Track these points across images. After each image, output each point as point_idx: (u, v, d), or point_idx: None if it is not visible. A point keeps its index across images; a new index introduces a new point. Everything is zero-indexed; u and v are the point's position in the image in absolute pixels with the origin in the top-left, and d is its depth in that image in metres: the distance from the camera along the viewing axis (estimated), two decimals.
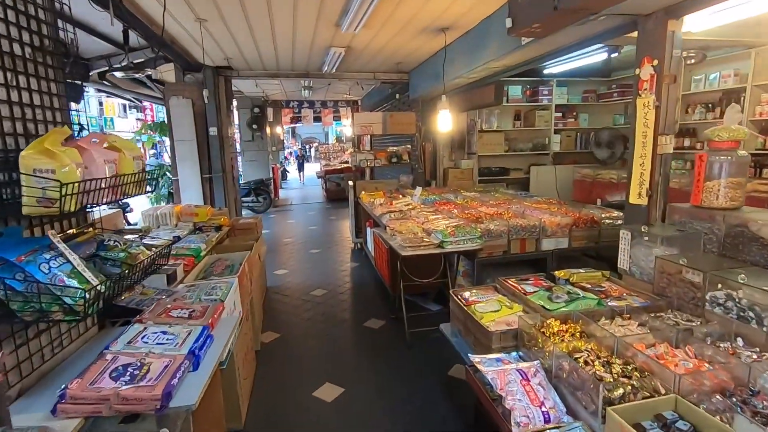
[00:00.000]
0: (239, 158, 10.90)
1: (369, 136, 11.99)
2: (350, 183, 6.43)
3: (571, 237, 3.40)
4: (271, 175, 11.14)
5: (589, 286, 2.30)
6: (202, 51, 4.92)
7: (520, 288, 2.35)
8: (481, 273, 3.34)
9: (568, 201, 4.77)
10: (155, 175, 1.89)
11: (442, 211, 4.14)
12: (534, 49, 3.53)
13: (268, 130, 11.63)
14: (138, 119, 41.30)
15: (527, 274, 2.64)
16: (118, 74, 5.65)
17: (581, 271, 2.49)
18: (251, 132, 10.75)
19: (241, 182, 10.19)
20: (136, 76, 5.68)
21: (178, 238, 3.19)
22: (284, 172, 18.56)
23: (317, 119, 15.69)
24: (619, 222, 3.37)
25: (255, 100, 10.66)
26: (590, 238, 3.46)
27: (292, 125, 16.83)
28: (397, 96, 7.06)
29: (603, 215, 3.55)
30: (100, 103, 37.07)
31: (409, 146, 6.62)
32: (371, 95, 10.02)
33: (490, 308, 2.18)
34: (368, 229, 5.52)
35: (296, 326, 3.82)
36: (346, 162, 13.86)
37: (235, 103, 10.85)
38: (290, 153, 22.48)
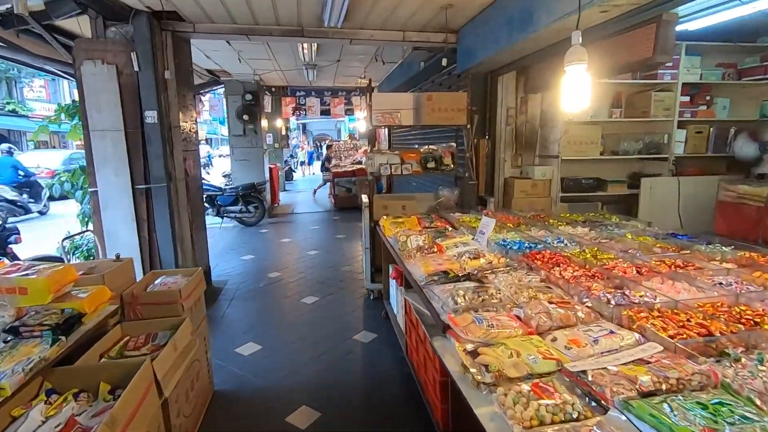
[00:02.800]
0: (229, 157, 8.84)
1: (387, 130, 9.85)
2: (364, 199, 4.27)
3: None
4: (267, 179, 9.04)
5: None
6: None
7: None
8: None
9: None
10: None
11: (554, 279, 1.95)
12: None
13: (264, 123, 9.54)
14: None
15: None
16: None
17: None
18: (242, 124, 8.67)
19: (226, 187, 8.12)
20: (31, 28, 3.60)
21: None
22: (289, 172, 16.51)
23: (325, 112, 13.66)
24: None
25: (247, 85, 8.58)
26: None
27: (295, 117, 14.78)
28: (444, 66, 4.79)
29: None
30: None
31: (452, 144, 4.43)
32: (392, 78, 7.82)
33: None
34: (395, 287, 3.36)
35: None
36: (359, 162, 11.70)
37: (223, 90, 8.82)
38: (302, 150, 20.36)
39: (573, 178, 4.26)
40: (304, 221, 8.72)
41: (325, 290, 4.58)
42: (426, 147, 4.45)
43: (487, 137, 4.39)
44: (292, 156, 17.74)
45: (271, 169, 9.88)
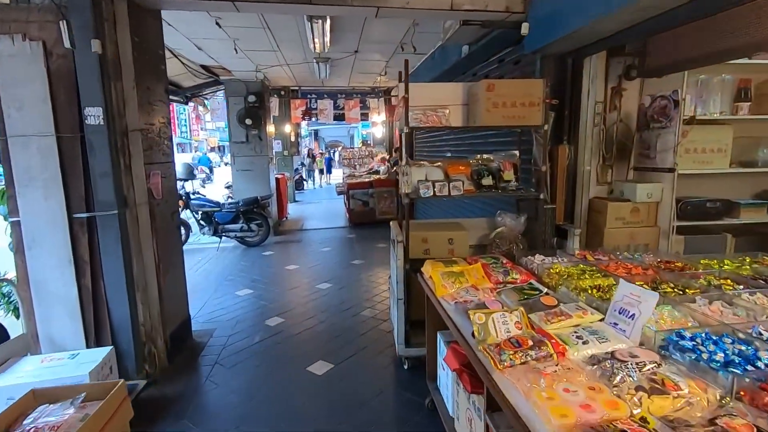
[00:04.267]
0: (231, 167, 7.78)
1: (404, 134, 8.73)
2: (394, 231, 3.08)
3: None
4: (273, 192, 7.94)
5: None
6: None
7: None
8: None
9: None
10: None
11: None
12: None
13: (271, 128, 8.47)
14: None
15: None
16: None
17: None
18: (244, 130, 7.59)
19: (225, 202, 7.04)
20: None
21: None
22: (300, 181, 15.45)
23: (339, 118, 12.60)
24: None
25: (251, 86, 7.52)
26: None
27: (305, 122, 13.75)
28: (503, 48, 3.60)
29: None
30: None
31: (513, 153, 3.24)
32: (419, 74, 6.64)
33: None
34: (454, 381, 2.13)
35: None
36: (376, 172, 10.56)
37: (223, 91, 7.78)
38: (320, 157, 18.76)
39: (692, 199, 3.01)
40: (314, 240, 7.57)
41: (341, 350, 3.39)
42: (477, 157, 3.26)
43: (564, 142, 3.17)
44: (302, 164, 16.69)
45: (278, 180, 8.80)
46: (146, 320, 2.95)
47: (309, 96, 9.96)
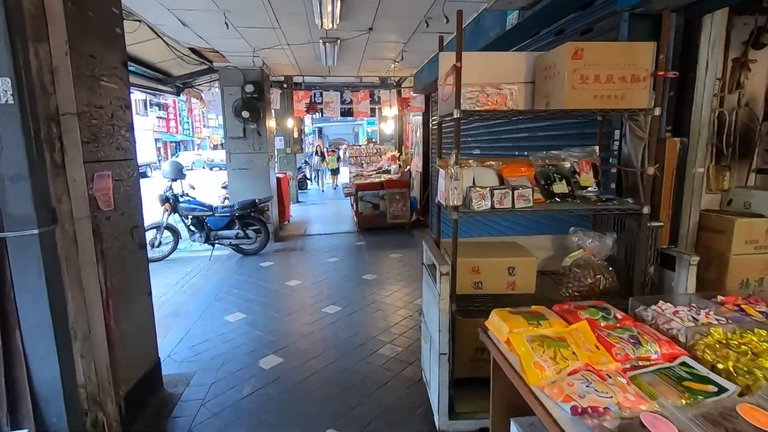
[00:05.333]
0: (227, 165, 6.95)
1: (416, 133, 7.93)
2: (429, 254, 2.21)
3: None
4: (273, 194, 7.09)
5: None
6: None
7: None
8: None
9: None
10: None
11: None
12: None
13: (271, 122, 7.63)
14: (159, 117, 39.13)
15: None
16: None
17: None
18: (241, 123, 6.75)
19: (218, 206, 6.22)
20: None
21: None
22: (303, 180, 14.61)
23: (346, 113, 11.77)
24: None
25: (248, 74, 6.67)
26: None
27: (310, 117, 12.90)
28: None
29: None
30: None
31: (592, 149, 2.38)
32: (429, 69, 5.76)
33: None
34: None
35: None
36: (386, 171, 9.70)
37: (218, 81, 6.94)
38: (333, 150, 17.06)
39: None
40: (319, 248, 6.73)
41: (357, 412, 2.55)
42: (541, 156, 2.41)
43: (667, 133, 2.30)
44: (306, 162, 15.83)
45: (279, 180, 7.97)
46: (89, 379, 2.12)
47: (314, 89, 9.12)
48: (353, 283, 4.96)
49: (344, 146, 20.19)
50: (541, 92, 2.22)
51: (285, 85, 9.01)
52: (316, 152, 14.98)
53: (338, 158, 15.77)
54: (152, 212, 8.25)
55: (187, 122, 41.69)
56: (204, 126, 43.07)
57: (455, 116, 1.93)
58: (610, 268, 2.26)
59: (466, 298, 2.18)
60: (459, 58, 1.90)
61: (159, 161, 30.38)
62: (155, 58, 5.83)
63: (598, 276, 2.21)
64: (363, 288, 4.76)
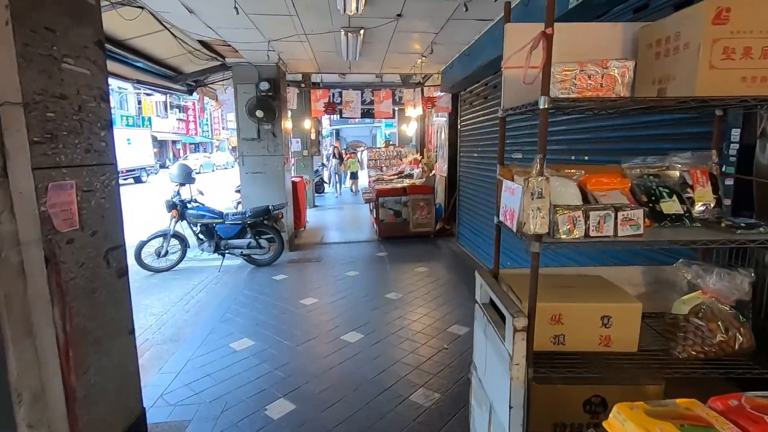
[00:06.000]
0: (240, 168, 6.49)
1: (440, 134, 7.39)
2: (485, 290, 1.62)
3: None
4: (287, 200, 6.60)
5: None
6: None
7: None
8: None
9: None
10: None
11: None
12: None
13: (287, 123, 7.15)
14: (179, 119, 39.48)
15: None
16: None
17: None
18: (255, 124, 6.28)
19: (228, 212, 5.76)
20: None
21: None
22: (321, 184, 14.15)
23: (367, 114, 11.27)
24: None
25: (263, 70, 6.21)
26: None
27: (328, 118, 12.44)
28: None
29: None
30: (139, 102, 35.30)
31: (708, 155, 1.76)
32: (472, 54, 5.15)
33: None
34: None
35: None
36: (409, 176, 9.13)
37: (231, 78, 6.49)
38: (353, 152, 15.78)
39: None
40: (337, 259, 6.20)
41: None
42: (637, 164, 1.80)
43: None
44: (323, 165, 15.37)
45: (295, 184, 7.49)
46: None
47: (333, 89, 8.62)
48: (376, 303, 4.39)
49: (362, 148, 19.61)
50: (649, 75, 1.62)
51: (303, 84, 8.54)
52: (334, 154, 14.22)
53: (358, 161, 14.92)
54: (152, 220, 7.87)
55: (207, 124, 41.98)
56: (223, 128, 43.33)
57: (542, 106, 1.34)
58: (743, 319, 1.64)
59: (543, 356, 1.58)
60: (551, 22, 1.32)
61: (163, 164, 30.52)
62: (163, 53, 5.40)
63: (731, 331, 1.58)
64: (387, 310, 4.19)
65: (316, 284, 5.08)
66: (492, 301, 1.80)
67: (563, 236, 1.44)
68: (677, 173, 1.78)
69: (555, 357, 1.62)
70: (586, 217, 1.45)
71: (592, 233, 1.46)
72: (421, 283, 5.00)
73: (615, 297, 1.68)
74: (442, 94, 7.23)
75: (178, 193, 5.57)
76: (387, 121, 28.87)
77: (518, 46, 1.51)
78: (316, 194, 12.62)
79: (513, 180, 1.68)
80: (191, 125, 38.65)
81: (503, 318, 1.59)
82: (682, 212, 1.64)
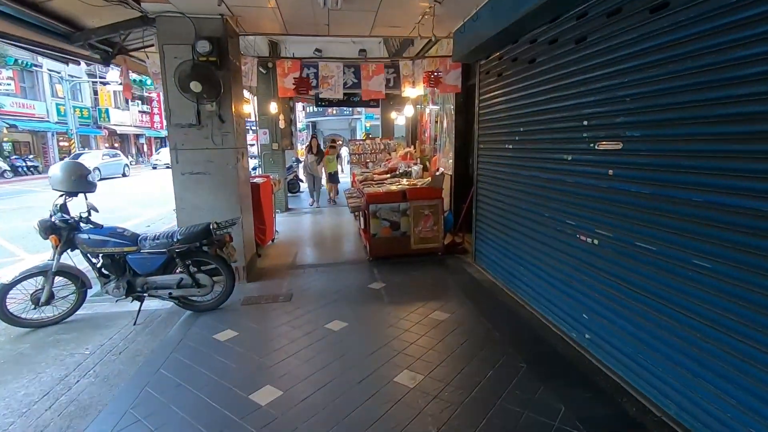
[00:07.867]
0: (172, 168, 4.52)
1: (440, 123, 5.65)
2: None
3: None
4: (241, 213, 4.67)
5: None
6: None
7: None
8: None
9: None
10: None
11: None
12: None
13: (241, 104, 5.20)
14: (142, 111, 36.24)
15: None
16: None
17: None
18: (193, 103, 4.32)
19: (146, 236, 3.82)
20: None
21: None
22: (295, 182, 12.16)
23: (350, 100, 9.46)
24: None
25: (204, 25, 4.26)
26: None
27: (300, 98, 10.52)
28: None
29: None
30: (95, 92, 31.94)
31: None
32: (480, 17, 3.34)
33: None
34: None
35: None
36: (405, 174, 7.31)
37: (154, 36, 4.46)
38: (332, 146, 11.44)
39: None
40: (315, 294, 4.35)
41: None
42: None
43: None
44: (297, 160, 13.38)
45: (258, 187, 5.58)
46: None
47: (306, 62, 6.66)
48: (381, 399, 2.58)
49: (340, 142, 17.37)
50: None
51: (269, 53, 6.56)
52: (309, 150, 10.31)
53: (338, 157, 11.63)
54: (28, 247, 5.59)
55: None
56: None
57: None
58: None
59: None
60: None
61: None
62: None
63: None
64: (403, 416, 2.38)
65: (280, 353, 3.22)
66: None
67: None
68: None
69: None
70: None
71: None
72: (446, 346, 3.22)
73: None
74: (446, 72, 5.46)
75: (61, 208, 3.57)
76: (367, 113, 26.84)
77: None
78: (289, 194, 10.66)
79: None
80: (156, 118, 35.66)
81: None
82: None
